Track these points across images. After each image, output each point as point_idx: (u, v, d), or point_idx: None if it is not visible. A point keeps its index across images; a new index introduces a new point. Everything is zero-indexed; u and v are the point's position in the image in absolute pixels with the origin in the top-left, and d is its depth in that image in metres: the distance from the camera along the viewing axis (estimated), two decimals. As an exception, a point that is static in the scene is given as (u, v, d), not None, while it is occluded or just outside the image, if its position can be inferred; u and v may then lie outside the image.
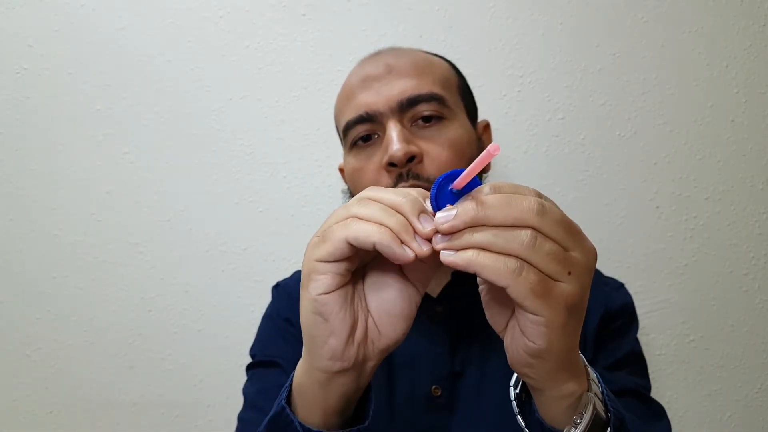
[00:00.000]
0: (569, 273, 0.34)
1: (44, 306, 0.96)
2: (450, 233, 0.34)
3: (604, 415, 0.40)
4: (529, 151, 0.97)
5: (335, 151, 0.97)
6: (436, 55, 0.70)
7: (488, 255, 0.33)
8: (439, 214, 0.34)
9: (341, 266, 0.38)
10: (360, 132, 0.63)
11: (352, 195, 0.68)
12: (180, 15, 0.96)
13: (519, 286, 0.33)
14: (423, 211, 0.36)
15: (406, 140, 0.59)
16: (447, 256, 0.34)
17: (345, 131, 0.65)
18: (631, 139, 0.97)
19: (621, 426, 0.41)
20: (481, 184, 0.35)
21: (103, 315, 0.96)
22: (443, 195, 0.35)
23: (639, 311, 0.73)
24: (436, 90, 0.62)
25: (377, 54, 0.67)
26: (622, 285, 0.72)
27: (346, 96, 0.66)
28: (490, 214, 0.33)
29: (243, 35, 0.96)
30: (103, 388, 0.97)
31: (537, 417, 0.42)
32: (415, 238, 0.35)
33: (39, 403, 0.97)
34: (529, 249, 0.33)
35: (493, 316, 0.40)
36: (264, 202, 0.97)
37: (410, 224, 0.36)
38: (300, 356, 0.55)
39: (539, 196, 0.35)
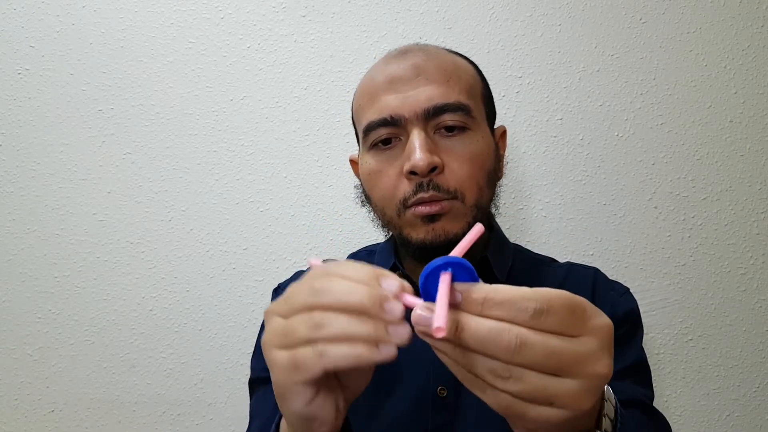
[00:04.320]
0: (551, 404, 0.31)
1: (45, 305, 0.97)
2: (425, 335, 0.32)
3: None
4: (528, 152, 0.97)
5: (335, 151, 0.97)
6: (462, 55, 0.68)
7: (462, 369, 0.32)
8: (419, 310, 0.32)
9: (317, 380, 0.37)
10: (381, 135, 0.61)
11: (365, 192, 0.67)
12: (181, 16, 0.96)
13: (488, 399, 0.32)
14: (384, 298, 0.33)
15: (430, 150, 0.58)
16: (432, 342, 0.33)
17: (366, 131, 0.63)
18: (629, 140, 0.97)
19: None
20: (478, 279, 0.32)
21: (105, 314, 0.97)
22: (434, 279, 0.32)
23: (637, 310, 0.73)
24: (463, 99, 0.61)
25: (404, 52, 0.64)
26: (627, 290, 0.71)
27: (369, 94, 0.63)
28: (466, 341, 0.31)
29: (244, 36, 0.97)
30: (104, 387, 0.97)
31: None
32: (388, 330, 0.33)
33: (40, 403, 0.97)
34: (500, 383, 0.31)
35: None
36: (264, 202, 0.97)
37: (380, 320, 0.33)
38: None
39: (538, 314, 0.30)
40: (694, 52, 0.97)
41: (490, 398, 0.32)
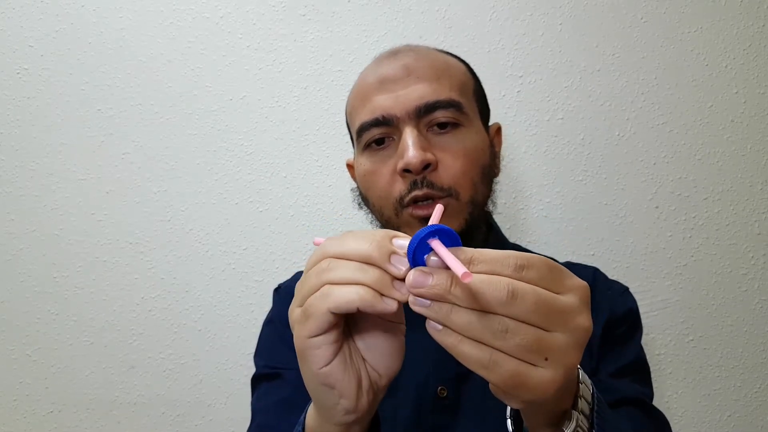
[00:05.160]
0: (546, 359, 0.33)
1: (45, 306, 0.97)
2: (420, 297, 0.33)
3: (587, 430, 0.41)
4: (528, 152, 0.97)
5: (335, 151, 0.97)
6: (453, 54, 0.68)
7: (467, 344, 0.32)
8: (414, 274, 0.33)
9: (332, 335, 0.38)
10: (375, 135, 0.62)
11: (361, 194, 0.68)
12: (180, 15, 0.96)
13: (492, 378, 0.33)
14: (392, 252, 0.35)
15: (423, 147, 0.58)
16: (433, 330, 0.34)
17: (359, 132, 0.63)
18: (630, 139, 0.97)
19: None
20: (460, 243, 0.34)
21: (104, 315, 0.97)
22: (424, 246, 0.34)
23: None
24: (454, 96, 0.61)
25: (395, 53, 0.65)
26: (626, 289, 0.72)
27: (361, 95, 0.64)
28: (459, 296, 0.32)
29: (243, 36, 0.96)
30: (103, 387, 0.97)
31: (525, 429, 0.43)
32: (394, 285, 0.34)
33: (39, 403, 0.97)
34: (499, 339, 0.32)
35: None
36: (264, 202, 0.97)
37: (386, 272, 0.35)
38: None
39: (520, 268, 0.32)
40: (695, 51, 0.96)
41: (495, 373, 0.32)
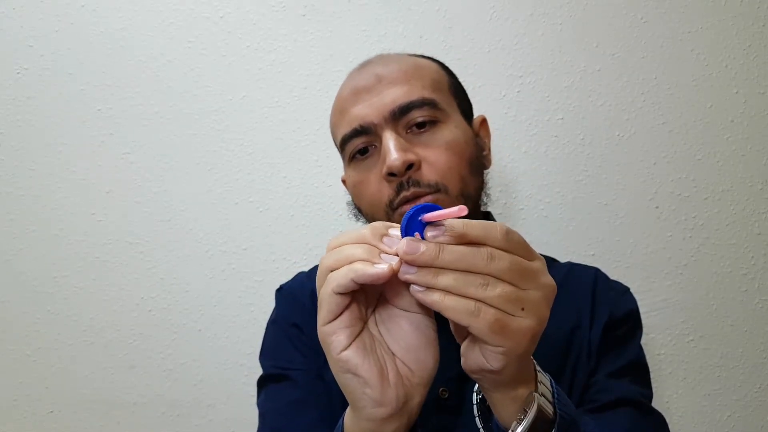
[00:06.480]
0: (522, 309, 0.38)
1: (44, 306, 0.97)
2: (411, 264, 0.37)
3: (551, 414, 0.43)
4: (528, 152, 0.97)
5: (335, 151, 0.96)
6: (424, 56, 0.69)
7: (451, 298, 0.37)
8: (405, 241, 0.37)
9: (344, 320, 0.40)
10: (357, 145, 0.63)
11: (356, 206, 0.69)
12: (180, 15, 0.96)
13: (478, 325, 0.37)
14: (384, 234, 0.40)
15: (403, 149, 0.59)
16: (416, 292, 0.37)
17: (342, 145, 0.65)
18: (630, 139, 0.97)
19: (571, 426, 0.44)
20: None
21: (104, 315, 0.97)
22: (414, 224, 0.38)
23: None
24: (427, 94, 0.62)
25: (365, 64, 0.67)
26: (627, 290, 0.72)
27: (339, 110, 0.66)
28: (447, 260, 0.36)
29: (243, 35, 0.96)
30: (103, 387, 0.97)
31: (494, 420, 0.46)
32: (382, 256, 0.38)
33: (39, 403, 0.97)
34: (482, 291, 0.36)
35: (456, 329, 0.43)
36: (264, 202, 0.97)
37: (376, 247, 0.39)
38: (310, 363, 0.54)
39: (507, 232, 0.38)
40: (696, 51, 0.96)
41: (481, 319, 0.36)
